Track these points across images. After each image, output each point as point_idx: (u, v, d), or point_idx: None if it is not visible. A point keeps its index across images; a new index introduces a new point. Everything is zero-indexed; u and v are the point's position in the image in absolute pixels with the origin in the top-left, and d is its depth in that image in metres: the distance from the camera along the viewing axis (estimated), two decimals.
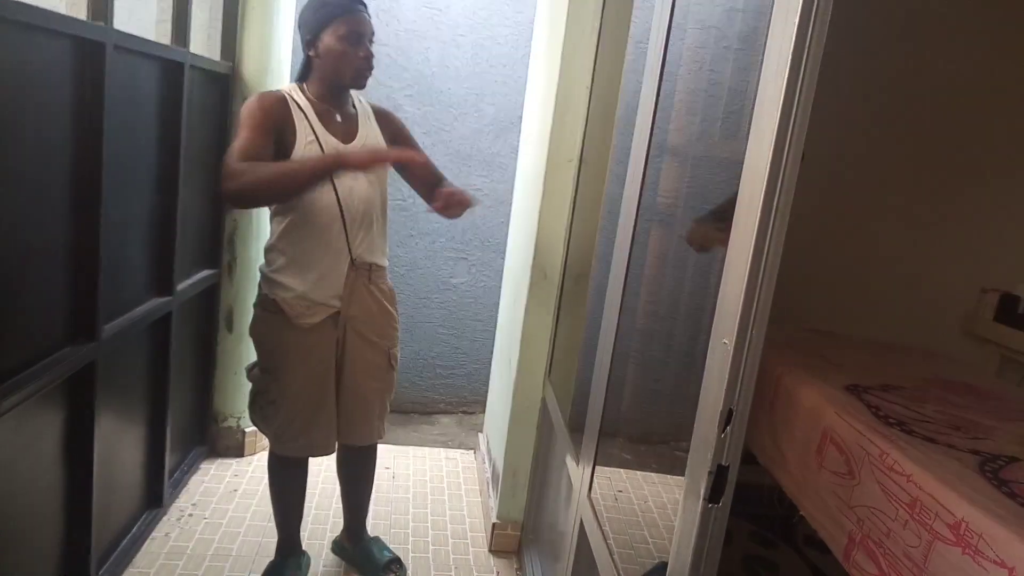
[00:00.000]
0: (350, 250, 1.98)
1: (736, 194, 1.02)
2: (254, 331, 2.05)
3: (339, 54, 1.92)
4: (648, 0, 1.82)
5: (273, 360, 2.02)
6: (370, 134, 2.06)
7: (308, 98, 1.98)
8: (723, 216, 2.11)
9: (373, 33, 1.99)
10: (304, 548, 2.37)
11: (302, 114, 1.94)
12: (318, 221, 1.93)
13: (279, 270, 1.97)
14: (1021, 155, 2.82)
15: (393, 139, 2.14)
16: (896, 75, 2.73)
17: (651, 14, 1.66)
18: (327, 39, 1.92)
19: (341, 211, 1.95)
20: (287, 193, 1.86)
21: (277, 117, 1.90)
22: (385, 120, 2.15)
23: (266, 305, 2.00)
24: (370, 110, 2.12)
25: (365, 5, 1.99)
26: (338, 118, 2.01)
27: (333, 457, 2.26)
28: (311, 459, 2.20)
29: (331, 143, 1.96)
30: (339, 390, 2.08)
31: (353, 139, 2.01)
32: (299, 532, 2.32)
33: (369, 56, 1.96)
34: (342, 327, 2.03)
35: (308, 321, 1.97)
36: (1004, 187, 2.84)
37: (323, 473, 2.89)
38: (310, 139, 1.92)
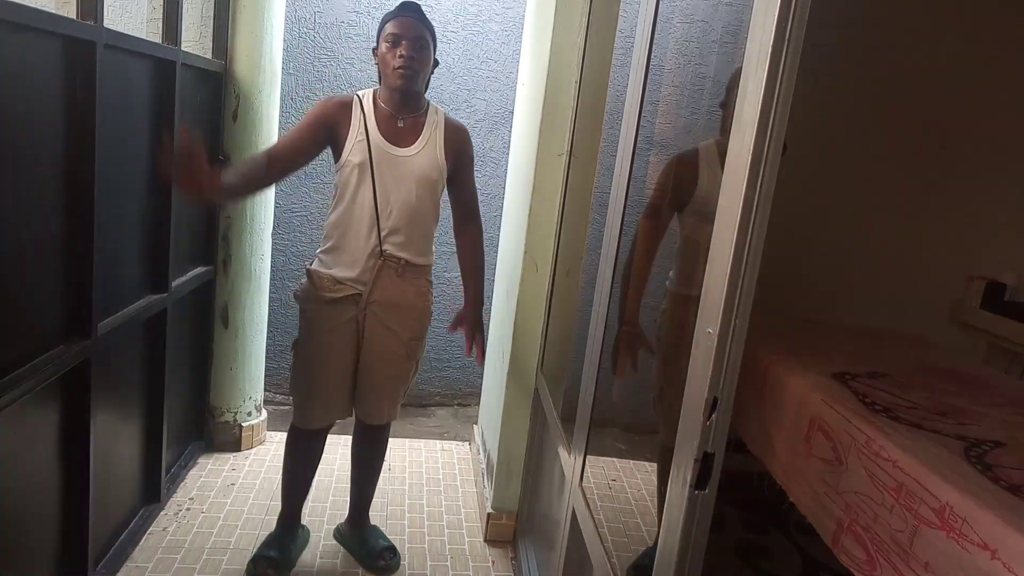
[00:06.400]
0: (380, 244, 2.12)
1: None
2: (297, 297, 2.25)
3: (382, 56, 2.10)
4: None
5: (304, 325, 2.23)
6: (430, 143, 2.16)
7: (375, 102, 2.15)
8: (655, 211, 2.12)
9: (419, 36, 2.07)
10: (304, 523, 2.50)
11: (362, 116, 2.12)
12: (356, 216, 2.13)
13: (324, 251, 2.20)
14: (1006, 145, 2.84)
15: (455, 156, 2.21)
16: (881, 66, 2.74)
17: (638, 8, 1.68)
18: (380, 45, 2.10)
19: (376, 213, 2.12)
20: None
21: (331, 118, 2.12)
22: (454, 137, 2.21)
23: (309, 276, 2.20)
24: (442, 122, 2.19)
25: (416, 10, 2.10)
26: (400, 123, 2.14)
27: (346, 443, 2.46)
28: (327, 443, 2.36)
29: (380, 144, 2.11)
30: (358, 370, 2.23)
31: (410, 145, 2.14)
32: (301, 507, 2.43)
33: (407, 56, 2.05)
34: (362, 309, 2.17)
35: (331, 295, 2.16)
36: (989, 176, 2.87)
37: (337, 460, 2.90)
38: (360, 138, 2.11)
